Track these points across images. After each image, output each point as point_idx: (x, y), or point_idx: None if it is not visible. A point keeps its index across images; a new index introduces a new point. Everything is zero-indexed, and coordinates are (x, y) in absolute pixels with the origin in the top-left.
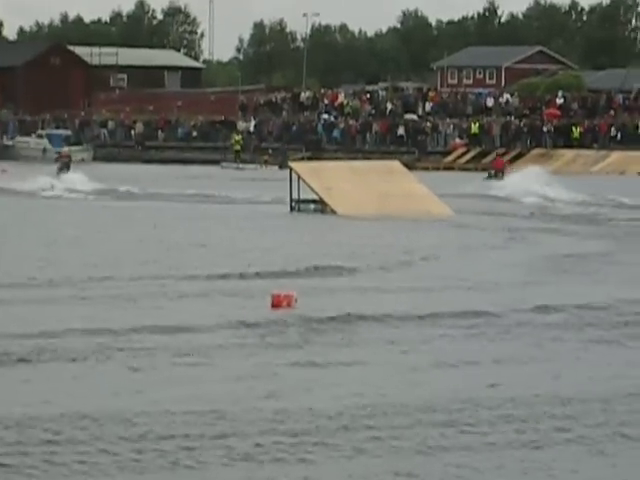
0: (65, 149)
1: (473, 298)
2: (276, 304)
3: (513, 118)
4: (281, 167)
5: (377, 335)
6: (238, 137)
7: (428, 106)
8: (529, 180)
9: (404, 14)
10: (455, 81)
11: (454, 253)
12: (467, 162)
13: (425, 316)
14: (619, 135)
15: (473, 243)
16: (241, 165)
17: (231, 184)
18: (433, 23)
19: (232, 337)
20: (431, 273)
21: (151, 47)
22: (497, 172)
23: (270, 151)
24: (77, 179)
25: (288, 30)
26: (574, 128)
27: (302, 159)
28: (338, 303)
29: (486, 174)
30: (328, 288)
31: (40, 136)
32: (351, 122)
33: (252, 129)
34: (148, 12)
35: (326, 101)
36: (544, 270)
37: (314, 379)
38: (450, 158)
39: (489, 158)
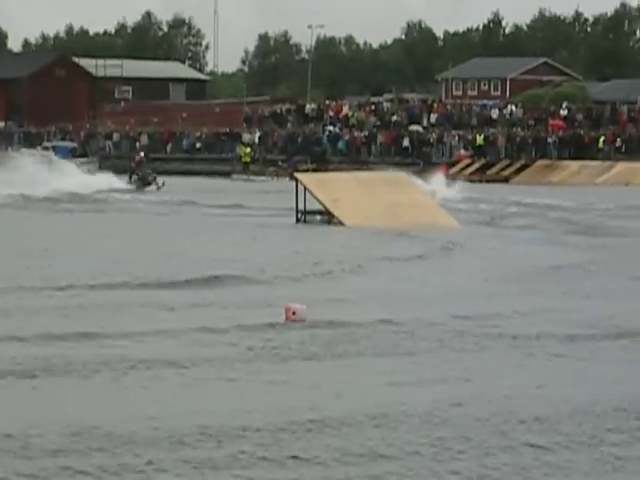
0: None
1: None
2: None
3: (518, 129)
4: (292, 178)
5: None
6: (247, 149)
7: (433, 117)
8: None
9: (409, 25)
10: (460, 92)
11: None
12: (472, 173)
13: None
14: (624, 146)
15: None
16: (252, 177)
17: (242, 195)
18: (438, 34)
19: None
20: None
21: (156, 59)
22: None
23: (280, 162)
24: None
25: (293, 42)
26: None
27: (307, 170)
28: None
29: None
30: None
31: (46, 148)
32: (356, 133)
33: (257, 141)
34: (153, 24)
35: (331, 113)
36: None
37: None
38: (455, 169)
39: (493, 170)
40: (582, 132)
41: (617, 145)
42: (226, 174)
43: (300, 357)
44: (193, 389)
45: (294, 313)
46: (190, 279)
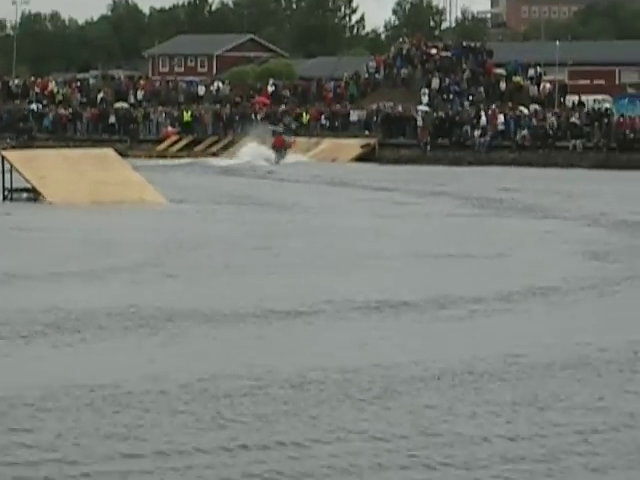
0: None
1: None
2: None
3: (225, 106)
4: None
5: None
6: None
7: (140, 94)
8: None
9: (114, 2)
10: (167, 69)
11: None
12: (179, 150)
13: None
14: (329, 123)
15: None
16: None
17: None
18: (144, 11)
19: None
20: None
21: None
22: (279, 149)
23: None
24: None
25: None
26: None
27: (13, 147)
28: None
29: None
30: None
31: None
32: (62, 110)
33: None
34: None
35: (37, 89)
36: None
37: None
38: (162, 146)
39: (201, 146)
40: (288, 108)
41: (322, 122)
42: None
43: None
44: None
45: None
46: None
